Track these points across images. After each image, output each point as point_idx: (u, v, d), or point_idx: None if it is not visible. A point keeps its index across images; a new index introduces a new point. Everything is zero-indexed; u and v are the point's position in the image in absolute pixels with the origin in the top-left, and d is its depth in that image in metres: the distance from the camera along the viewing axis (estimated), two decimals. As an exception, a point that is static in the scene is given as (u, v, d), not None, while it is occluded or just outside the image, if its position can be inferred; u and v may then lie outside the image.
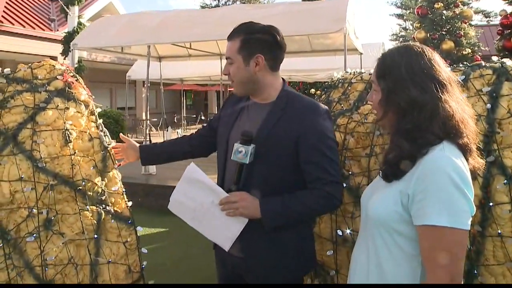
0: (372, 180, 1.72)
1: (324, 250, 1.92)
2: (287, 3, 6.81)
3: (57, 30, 12.46)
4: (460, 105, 1.19)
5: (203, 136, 1.92)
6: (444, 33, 10.25)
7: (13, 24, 11.21)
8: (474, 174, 1.21)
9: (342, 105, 2.07)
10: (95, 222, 1.76)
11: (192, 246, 4.24)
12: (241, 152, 1.50)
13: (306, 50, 8.26)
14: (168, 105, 18.62)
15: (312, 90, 3.94)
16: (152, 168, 6.76)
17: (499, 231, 1.55)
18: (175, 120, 17.86)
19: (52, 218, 1.71)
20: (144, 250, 1.91)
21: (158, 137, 12.60)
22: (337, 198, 1.55)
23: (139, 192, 5.75)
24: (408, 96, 1.17)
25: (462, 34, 10.07)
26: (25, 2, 13.08)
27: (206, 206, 1.58)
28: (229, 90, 18.57)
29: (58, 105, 1.80)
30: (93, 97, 1.98)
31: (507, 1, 8.37)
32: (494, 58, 1.90)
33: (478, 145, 1.28)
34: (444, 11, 10.26)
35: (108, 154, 1.85)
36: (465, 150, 1.17)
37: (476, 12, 22.74)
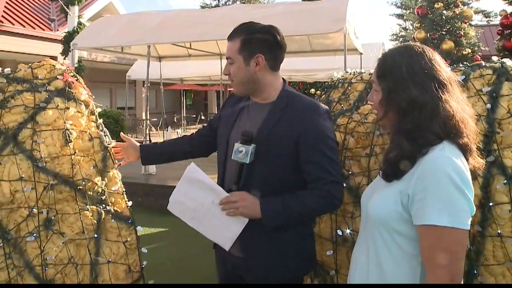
0: (372, 180, 1.72)
1: (324, 250, 1.92)
2: (287, 3, 6.81)
3: (57, 30, 12.47)
4: (461, 105, 1.20)
5: (204, 136, 1.92)
6: (444, 33, 10.25)
7: (13, 24, 11.22)
8: (474, 174, 1.21)
9: (342, 105, 2.07)
10: (95, 221, 1.76)
11: (192, 246, 4.24)
12: (242, 152, 1.50)
13: (306, 50, 8.27)
14: (168, 105, 18.63)
15: (312, 90, 3.94)
16: (152, 168, 6.76)
17: (499, 231, 1.55)
18: (175, 120, 17.86)
19: (52, 217, 1.71)
20: (144, 249, 1.91)
21: (158, 137, 12.60)
22: (337, 198, 1.55)
23: (139, 192, 5.75)
24: (408, 96, 1.17)
25: (462, 34, 10.07)
26: (25, 2, 13.09)
27: (207, 206, 1.58)
28: (229, 90, 18.58)
29: (58, 105, 1.80)
30: (93, 97, 1.98)
31: (507, 1, 8.38)
32: (494, 58, 1.90)
33: (478, 145, 1.28)
34: (444, 11, 10.26)
35: (108, 153, 1.86)
36: (465, 150, 1.17)
37: (476, 12, 22.75)
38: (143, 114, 14.45)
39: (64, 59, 10.47)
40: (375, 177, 1.47)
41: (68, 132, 1.76)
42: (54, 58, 9.58)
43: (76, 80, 1.93)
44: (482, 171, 1.41)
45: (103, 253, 1.78)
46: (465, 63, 1.91)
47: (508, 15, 8.11)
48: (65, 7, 10.42)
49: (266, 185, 1.56)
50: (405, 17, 28.54)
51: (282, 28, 1.69)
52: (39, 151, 1.71)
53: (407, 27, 28.17)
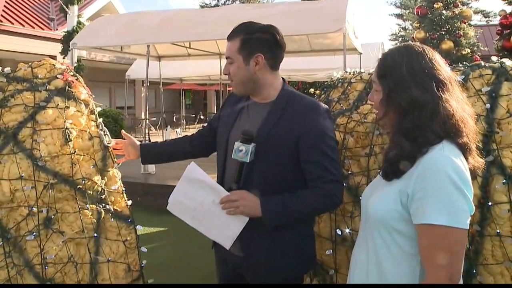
0: (371, 179, 1.73)
1: (323, 249, 1.92)
2: (287, 3, 6.81)
3: (57, 30, 12.46)
4: (461, 104, 1.20)
5: (204, 136, 1.92)
6: (443, 33, 10.27)
7: (13, 24, 11.21)
8: (473, 173, 1.21)
9: (341, 105, 2.07)
10: (95, 220, 1.76)
11: (192, 245, 4.24)
12: (242, 151, 1.50)
13: (306, 49, 8.27)
14: (167, 105, 18.62)
15: (312, 90, 3.94)
16: (152, 168, 6.76)
17: (498, 231, 1.56)
18: (174, 120, 17.83)
19: (52, 216, 1.71)
20: (143, 249, 1.91)
21: (157, 137, 12.60)
22: (337, 196, 1.55)
23: (138, 191, 5.75)
24: (409, 95, 1.18)
25: (462, 34, 10.09)
26: (24, 2, 13.08)
27: (207, 205, 1.58)
28: (228, 90, 18.57)
29: (58, 104, 1.80)
30: (93, 96, 1.98)
31: (506, 1, 8.38)
32: (494, 58, 1.90)
33: (478, 144, 1.28)
34: (444, 11, 10.28)
35: (108, 153, 1.86)
36: (464, 150, 1.17)
37: (476, 12, 22.73)
38: (143, 113, 14.45)
39: (64, 58, 10.45)
40: (374, 177, 1.48)
41: (68, 131, 1.77)
42: (53, 57, 9.59)
43: (76, 79, 1.93)
44: (482, 171, 1.41)
45: (103, 252, 1.78)
46: (464, 63, 1.92)
47: (508, 15, 8.11)
48: (64, 6, 10.41)
49: (266, 185, 1.56)
50: (404, 17, 28.51)
51: (282, 27, 1.69)
52: (39, 150, 1.71)
53: (406, 27, 28.15)
